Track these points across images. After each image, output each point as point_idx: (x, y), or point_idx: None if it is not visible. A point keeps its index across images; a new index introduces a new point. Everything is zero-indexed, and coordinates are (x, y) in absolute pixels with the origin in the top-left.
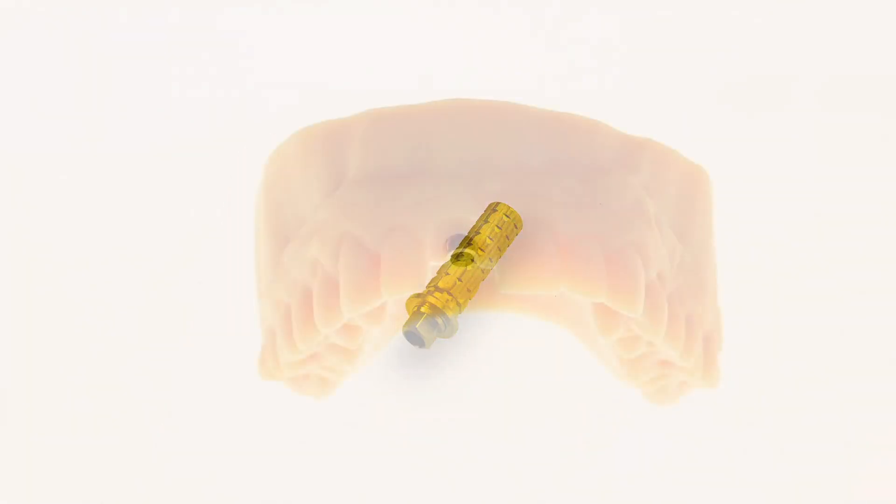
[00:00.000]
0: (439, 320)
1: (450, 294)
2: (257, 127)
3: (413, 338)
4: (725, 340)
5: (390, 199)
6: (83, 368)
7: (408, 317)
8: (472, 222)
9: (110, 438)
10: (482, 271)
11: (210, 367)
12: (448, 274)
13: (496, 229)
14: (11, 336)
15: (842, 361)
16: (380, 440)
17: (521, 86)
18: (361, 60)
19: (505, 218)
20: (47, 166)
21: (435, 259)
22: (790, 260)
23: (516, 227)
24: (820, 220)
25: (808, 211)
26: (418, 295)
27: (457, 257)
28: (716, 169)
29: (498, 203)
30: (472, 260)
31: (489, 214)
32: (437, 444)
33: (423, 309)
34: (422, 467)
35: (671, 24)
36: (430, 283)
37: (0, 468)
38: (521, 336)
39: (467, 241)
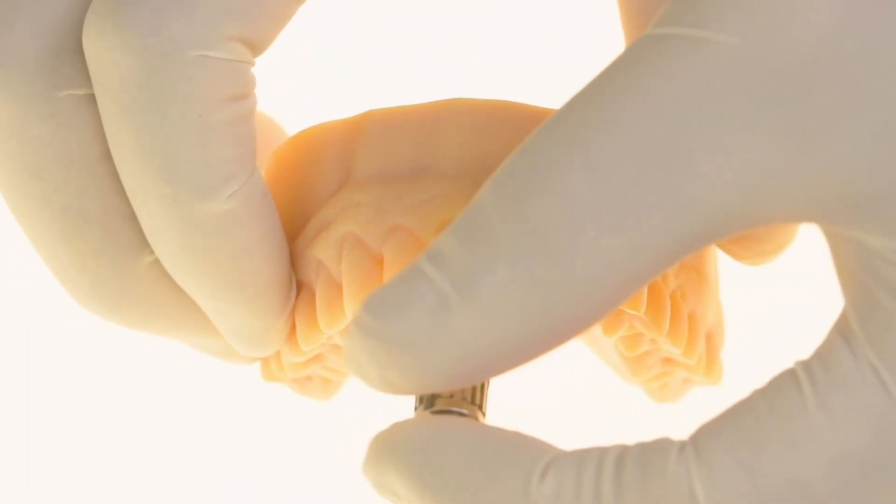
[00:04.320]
0: None
1: None
2: None
3: None
4: (728, 337)
5: (392, 200)
6: (83, 369)
7: None
8: None
9: (110, 439)
10: None
11: (211, 369)
12: None
13: None
14: (11, 335)
15: None
16: None
17: (521, 86)
18: (361, 60)
19: None
20: None
21: None
22: (791, 257)
23: None
24: None
25: None
26: None
27: None
28: None
29: None
30: None
31: None
32: None
33: None
34: None
35: None
36: None
37: (0, 468)
38: None
39: None
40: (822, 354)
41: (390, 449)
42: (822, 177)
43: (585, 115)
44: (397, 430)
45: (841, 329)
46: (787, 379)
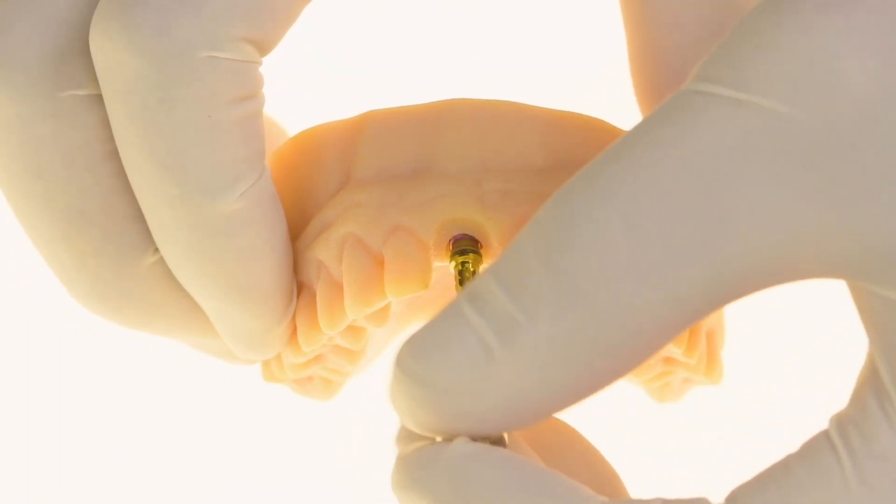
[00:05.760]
0: None
1: None
2: None
3: None
4: (728, 337)
5: (393, 200)
6: (83, 369)
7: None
8: (474, 222)
9: (110, 439)
10: None
11: (211, 369)
12: None
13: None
14: (11, 335)
15: (846, 358)
16: (383, 441)
17: (521, 86)
18: (361, 60)
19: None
20: None
21: (438, 259)
22: None
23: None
24: None
25: None
26: None
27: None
28: None
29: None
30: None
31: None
32: None
33: None
34: None
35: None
36: None
37: (0, 468)
38: None
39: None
40: (857, 421)
41: (425, 476)
42: (860, 239)
43: (622, 168)
44: (433, 455)
45: (875, 389)
46: (824, 445)
